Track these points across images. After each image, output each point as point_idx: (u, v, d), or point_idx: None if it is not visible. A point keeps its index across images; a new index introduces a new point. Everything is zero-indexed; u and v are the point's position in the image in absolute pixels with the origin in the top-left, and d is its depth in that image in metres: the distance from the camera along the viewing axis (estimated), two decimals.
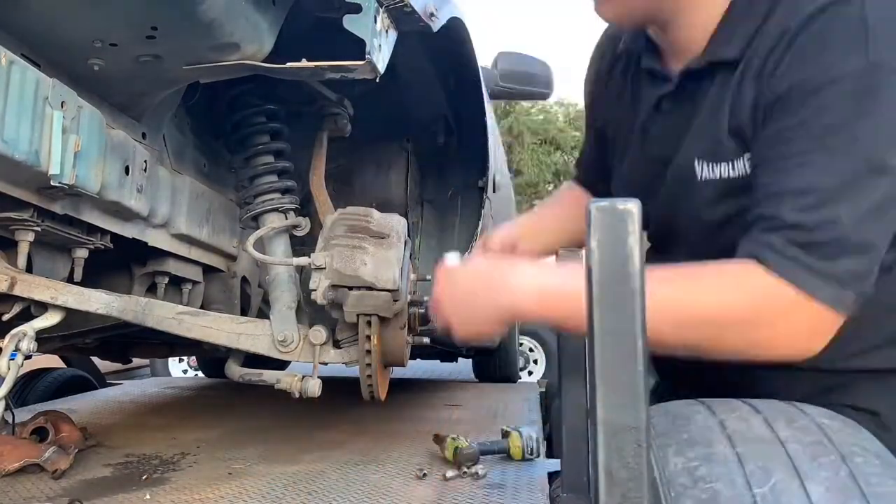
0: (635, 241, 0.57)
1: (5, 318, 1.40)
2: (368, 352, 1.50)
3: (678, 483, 0.75)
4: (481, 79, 1.92)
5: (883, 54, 0.88)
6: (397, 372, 1.89)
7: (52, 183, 1.11)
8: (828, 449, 0.75)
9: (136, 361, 4.37)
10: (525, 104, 18.76)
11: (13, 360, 1.33)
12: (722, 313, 0.90)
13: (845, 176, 0.88)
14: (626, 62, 1.26)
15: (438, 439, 1.83)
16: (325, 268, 1.46)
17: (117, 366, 3.54)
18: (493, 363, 4.35)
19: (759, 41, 0.98)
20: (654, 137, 1.18)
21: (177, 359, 5.78)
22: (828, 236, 0.88)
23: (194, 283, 1.80)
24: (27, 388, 3.23)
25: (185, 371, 5.83)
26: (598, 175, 1.44)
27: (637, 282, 0.58)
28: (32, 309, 1.41)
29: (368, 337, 1.50)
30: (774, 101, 0.94)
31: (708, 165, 1.04)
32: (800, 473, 0.72)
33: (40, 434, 1.83)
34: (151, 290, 1.73)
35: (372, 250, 1.48)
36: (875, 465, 0.74)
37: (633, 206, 0.57)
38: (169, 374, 5.58)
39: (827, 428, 0.79)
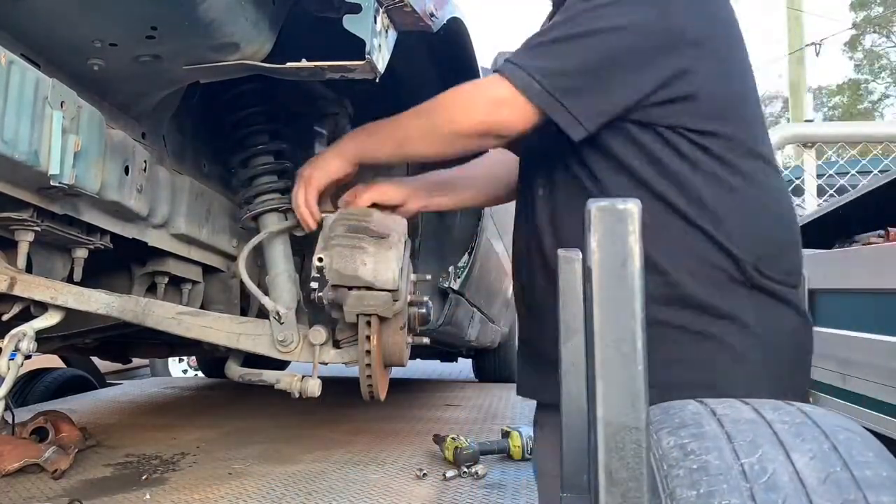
0: (635, 241, 0.57)
1: (5, 318, 1.40)
2: (368, 352, 1.50)
3: (670, 457, 0.80)
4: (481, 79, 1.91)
5: None
6: (397, 372, 1.89)
7: (51, 183, 1.11)
8: (812, 428, 0.81)
9: (136, 361, 4.38)
10: None
11: (13, 360, 1.33)
12: (447, 97, 1.24)
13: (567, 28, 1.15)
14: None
15: (438, 439, 1.83)
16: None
17: (117, 366, 3.54)
18: (493, 363, 4.35)
19: None
20: None
21: (177, 359, 5.78)
22: (535, 42, 1.17)
23: (194, 282, 1.79)
24: (27, 388, 3.23)
25: (185, 371, 5.82)
26: None
27: (637, 282, 0.58)
28: (32, 309, 1.41)
29: (368, 337, 1.50)
30: None
31: None
32: (785, 446, 0.77)
33: (40, 434, 1.83)
34: (151, 290, 1.73)
35: (372, 250, 1.48)
36: (857, 440, 0.79)
37: (633, 206, 0.57)
38: (169, 375, 5.58)
39: (811, 413, 0.86)
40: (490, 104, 1.18)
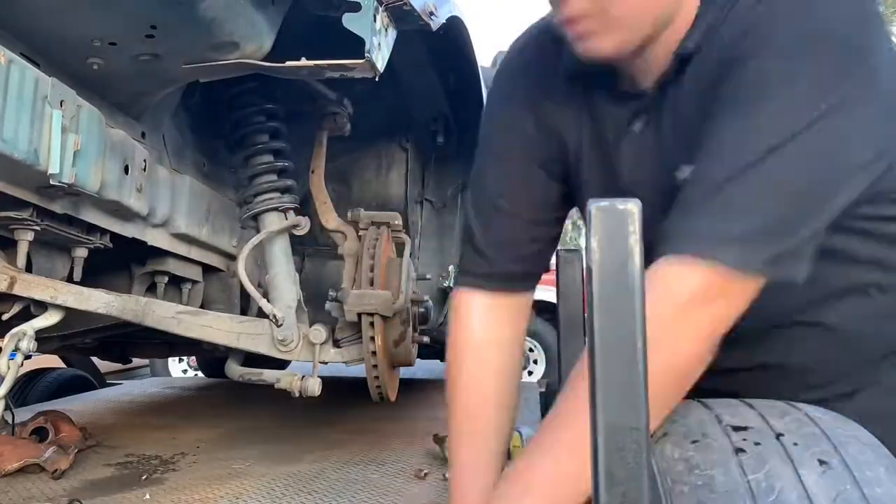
0: (636, 241, 0.57)
1: (5, 317, 1.39)
2: (374, 353, 1.50)
3: (675, 471, 0.77)
4: (481, 78, 1.92)
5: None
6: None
7: (51, 182, 1.11)
8: (821, 439, 0.78)
9: (136, 361, 4.37)
10: None
11: (13, 359, 1.33)
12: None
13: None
14: (570, 87, 1.07)
15: (438, 439, 1.83)
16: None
17: (117, 366, 3.54)
18: None
19: (724, 27, 0.90)
20: (626, 158, 1.03)
21: (177, 359, 5.77)
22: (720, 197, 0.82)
23: (194, 282, 1.79)
24: (27, 388, 3.23)
25: (184, 371, 5.82)
26: (541, 230, 1.13)
27: (637, 282, 0.58)
28: (32, 308, 1.41)
29: (373, 338, 1.49)
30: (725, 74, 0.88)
31: (689, 166, 0.91)
32: (793, 461, 0.74)
33: (40, 434, 1.83)
34: (151, 289, 1.73)
35: None
36: (868, 454, 0.77)
37: (633, 207, 0.57)
38: (169, 374, 5.58)
39: (820, 421, 0.82)
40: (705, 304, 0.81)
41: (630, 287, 0.62)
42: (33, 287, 1.36)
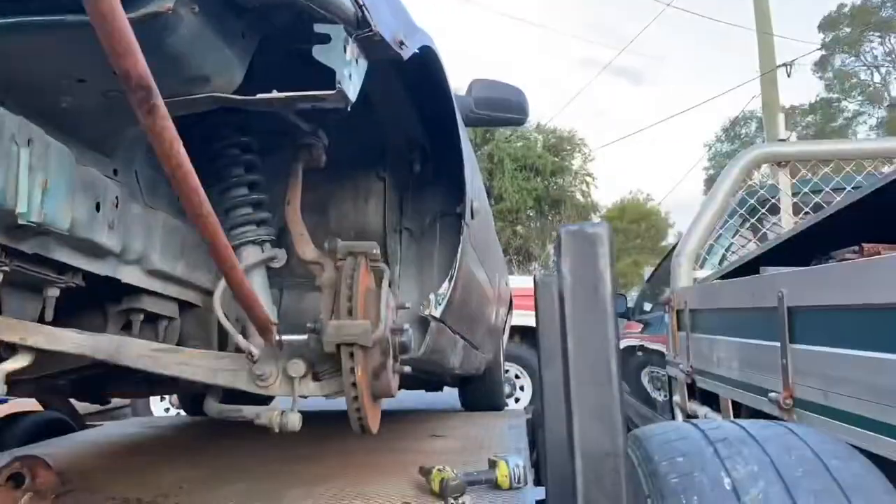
0: (606, 265, 0.56)
1: None
2: (354, 384, 1.48)
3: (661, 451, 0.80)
4: (455, 106, 1.92)
5: None
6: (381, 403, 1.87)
7: (19, 221, 1.09)
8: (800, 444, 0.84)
9: (117, 402, 4.30)
10: (504, 131, 18.92)
11: None
12: None
13: None
14: None
15: (424, 471, 1.80)
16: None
17: (97, 407, 3.47)
18: (479, 391, 4.31)
19: None
20: None
21: (158, 398, 5.68)
22: None
23: (170, 319, 1.77)
24: (4, 432, 3.16)
25: (167, 410, 5.72)
26: None
27: (608, 306, 0.57)
28: (1, 351, 1.38)
29: (352, 369, 1.47)
30: None
31: None
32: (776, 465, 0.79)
33: (16, 480, 1.78)
34: (127, 327, 1.70)
35: None
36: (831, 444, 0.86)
37: (602, 231, 0.56)
38: (151, 414, 5.48)
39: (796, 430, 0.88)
40: None
41: (602, 311, 0.61)
42: (2, 329, 1.33)
